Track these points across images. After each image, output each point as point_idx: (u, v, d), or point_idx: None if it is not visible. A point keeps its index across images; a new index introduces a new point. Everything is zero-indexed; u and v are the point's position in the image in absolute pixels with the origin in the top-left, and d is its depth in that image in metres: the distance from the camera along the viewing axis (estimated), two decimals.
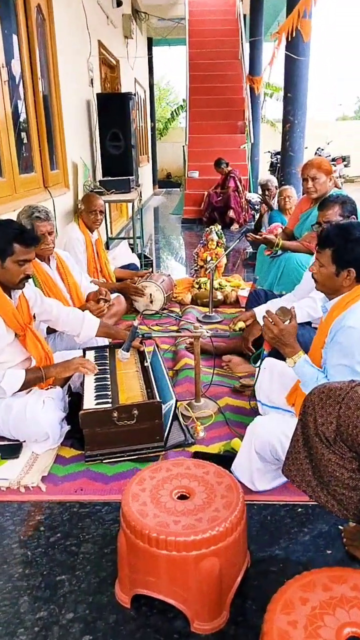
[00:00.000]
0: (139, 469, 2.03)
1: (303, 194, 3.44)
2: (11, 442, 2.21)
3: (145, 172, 11.59)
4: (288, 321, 1.85)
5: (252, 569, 1.58)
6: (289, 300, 2.71)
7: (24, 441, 2.20)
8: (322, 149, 12.34)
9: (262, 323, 2.56)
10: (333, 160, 11.38)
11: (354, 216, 2.52)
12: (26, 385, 2.24)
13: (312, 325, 2.56)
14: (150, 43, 12.85)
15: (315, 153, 11.81)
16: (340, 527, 1.75)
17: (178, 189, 14.16)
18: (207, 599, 1.36)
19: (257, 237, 3.53)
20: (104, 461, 2.08)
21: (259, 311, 2.80)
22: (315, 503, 1.52)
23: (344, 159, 11.91)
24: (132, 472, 2.01)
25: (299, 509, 1.85)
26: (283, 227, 4.07)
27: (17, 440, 2.21)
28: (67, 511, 1.85)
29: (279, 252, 3.39)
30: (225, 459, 1.99)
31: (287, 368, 1.92)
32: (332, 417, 1.40)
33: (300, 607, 1.10)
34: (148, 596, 1.41)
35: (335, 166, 10.47)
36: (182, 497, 1.46)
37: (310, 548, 1.68)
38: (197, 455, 2.08)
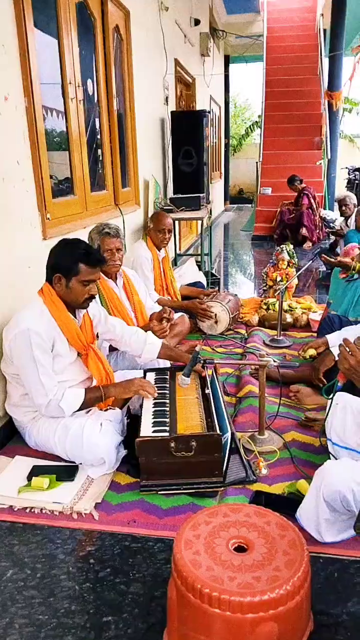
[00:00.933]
0: (196, 503, 1.91)
1: None
2: (67, 464, 2.17)
3: (216, 188, 11.57)
4: None
5: (315, 635, 1.41)
6: None
7: (80, 463, 2.15)
8: None
9: (335, 352, 2.38)
10: None
11: None
12: (85, 405, 2.21)
13: None
14: (227, 60, 12.92)
15: None
16: None
17: (249, 205, 14.03)
18: None
19: (332, 260, 3.33)
20: (159, 492, 1.98)
21: (333, 339, 2.62)
22: None
23: None
24: (188, 507, 1.90)
25: None
26: None
27: (74, 462, 2.17)
28: (118, 544, 1.77)
29: (356, 275, 3.18)
30: (290, 503, 1.83)
31: None
32: None
33: None
34: None
35: None
36: (239, 549, 1.33)
37: None
38: (259, 495, 1.93)
